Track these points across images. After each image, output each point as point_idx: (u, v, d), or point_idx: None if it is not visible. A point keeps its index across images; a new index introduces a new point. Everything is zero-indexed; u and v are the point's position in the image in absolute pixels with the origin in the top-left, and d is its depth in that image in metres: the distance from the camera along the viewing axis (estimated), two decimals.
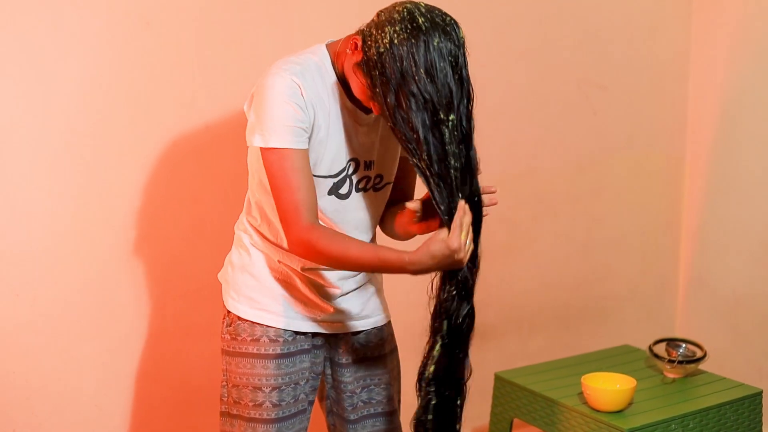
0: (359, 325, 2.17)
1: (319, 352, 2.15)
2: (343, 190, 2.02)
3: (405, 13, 1.80)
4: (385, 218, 2.15)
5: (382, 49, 1.78)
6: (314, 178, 1.95)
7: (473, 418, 3.09)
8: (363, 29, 1.87)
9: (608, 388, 2.53)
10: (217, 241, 2.66)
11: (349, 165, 2.01)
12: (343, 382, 2.18)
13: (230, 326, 2.10)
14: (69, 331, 2.51)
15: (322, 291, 2.08)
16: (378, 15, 1.85)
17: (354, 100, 1.97)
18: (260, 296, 2.08)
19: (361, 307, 2.16)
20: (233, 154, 2.56)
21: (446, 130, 1.78)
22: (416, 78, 1.76)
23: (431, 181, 1.81)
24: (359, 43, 1.85)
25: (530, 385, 2.72)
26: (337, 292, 2.09)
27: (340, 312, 2.11)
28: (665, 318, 3.70)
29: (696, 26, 3.52)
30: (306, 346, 2.11)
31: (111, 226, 2.52)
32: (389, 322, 2.26)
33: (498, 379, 2.81)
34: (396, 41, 1.77)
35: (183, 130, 2.57)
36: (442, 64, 1.77)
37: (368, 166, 2.04)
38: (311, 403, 2.15)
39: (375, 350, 2.20)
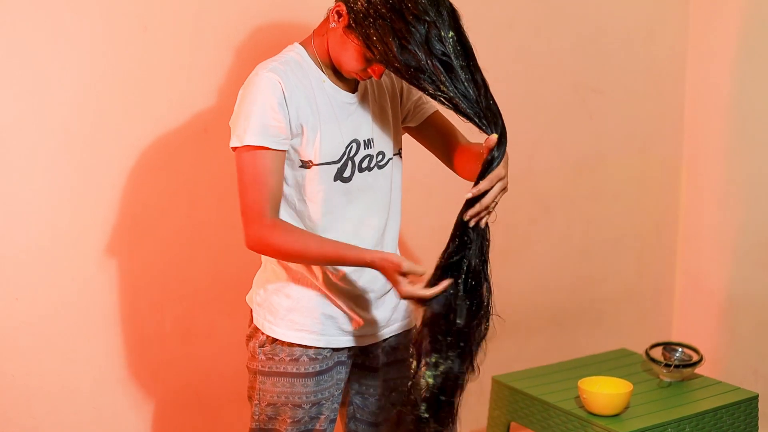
0: (389, 331, 2.19)
1: (349, 362, 2.17)
2: (347, 173, 2.03)
3: None
4: (455, 158, 2.16)
5: None
6: (319, 167, 1.99)
7: (470, 421, 3.11)
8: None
9: (605, 392, 2.54)
10: (215, 245, 2.68)
11: (350, 147, 2.03)
12: (372, 386, 2.21)
13: (264, 347, 2.09)
14: (67, 333, 2.51)
15: (358, 300, 2.10)
16: None
17: (342, 79, 2.02)
18: (298, 317, 2.08)
19: (391, 312, 2.18)
20: (231, 157, 2.56)
21: (450, 48, 1.82)
22: (412, 4, 1.81)
23: (459, 102, 1.84)
24: (343, 9, 1.89)
25: (527, 388, 2.72)
26: (371, 296, 2.11)
27: (372, 322, 2.13)
28: (661, 320, 3.71)
29: (692, 30, 3.54)
30: (342, 359, 2.14)
31: (109, 230, 2.52)
32: (416, 325, 2.26)
33: (495, 382, 2.82)
34: None
35: (181, 133, 2.58)
36: None
37: (368, 144, 2.07)
38: (337, 409, 2.17)
39: (404, 353, 2.20)
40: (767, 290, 3.34)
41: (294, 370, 2.07)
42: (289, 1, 2.66)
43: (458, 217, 1.92)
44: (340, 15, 1.91)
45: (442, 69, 1.82)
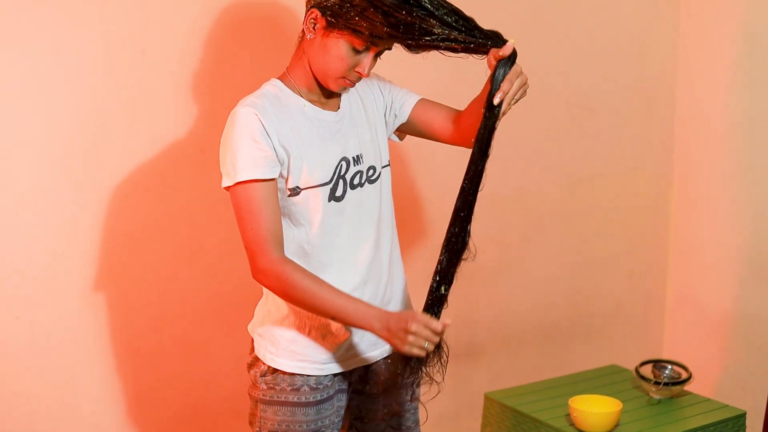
0: (389, 348, 2.19)
1: (350, 389, 2.20)
2: (339, 192, 2.05)
3: None
4: (455, 123, 2.18)
5: None
6: (310, 190, 2.00)
7: None
8: (309, 5, 1.95)
9: (595, 411, 2.59)
10: (213, 264, 2.71)
11: (340, 166, 2.05)
12: (372, 411, 2.24)
13: (266, 376, 2.11)
14: (67, 352, 2.54)
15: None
16: None
17: (324, 100, 2.05)
18: (300, 347, 2.09)
19: None
20: None
21: (427, 3, 1.86)
22: None
23: (457, 35, 1.88)
24: (316, 13, 1.93)
25: (519, 406, 2.76)
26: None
27: (373, 343, 2.16)
28: (652, 335, 3.75)
29: (682, 50, 3.57)
30: (343, 386, 2.17)
31: (108, 249, 2.55)
32: None
33: (487, 399, 2.86)
34: None
35: (179, 154, 2.61)
36: None
37: (357, 160, 2.09)
38: None
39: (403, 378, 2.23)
40: (757, 307, 3.38)
41: (295, 400, 2.09)
42: (287, 24, 2.69)
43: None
44: (315, 21, 1.94)
45: (427, 17, 1.86)
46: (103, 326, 2.59)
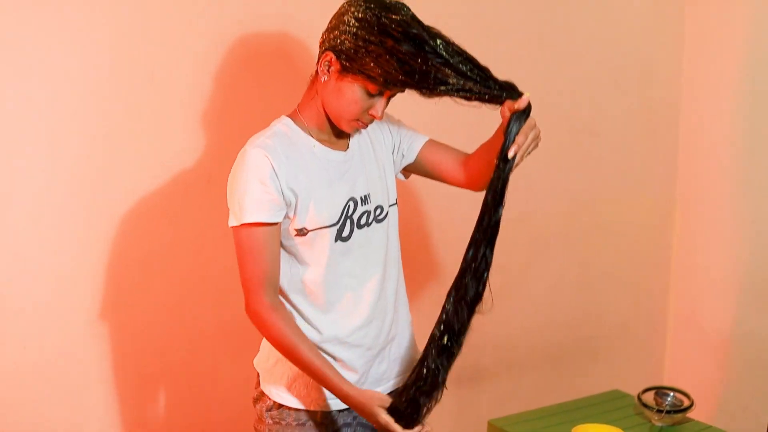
0: (391, 385, 2.22)
1: (355, 422, 2.20)
2: (346, 232, 2.06)
3: (345, 3, 1.93)
4: (464, 166, 2.20)
5: (354, 29, 1.88)
6: (317, 231, 2.02)
7: None
8: (324, 48, 1.95)
9: None
10: (219, 291, 2.72)
11: (348, 206, 2.06)
12: None
13: (272, 411, 2.14)
14: (74, 380, 2.56)
15: (360, 359, 2.13)
16: (328, 28, 1.96)
17: (334, 140, 2.06)
18: (305, 383, 2.11)
19: (389, 366, 2.21)
20: None
21: (442, 51, 1.86)
22: (395, 23, 1.86)
23: (472, 86, 1.88)
24: (331, 56, 1.93)
25: None
26: (372, 352, 2.15)
27: (374, 376, 2.17)
28: (655, 357, 3.76)
29: (686, 74, 3.59)
30: (348, 420, 2.18)
31: (115, 275, 2.57)
32: None
33: (491, 427, 2.87)
34: (360, 15, 1.88)
35: (186, 181, 2.63)
36: (405, 8, 1.90)
37: (365, 200, 2.10)
38: None
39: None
40: (758, 329, 3.39)
41: None
42: (296, 55, 2.70)
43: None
44: (329, 64, 1.94)
45: (444, 67, 1.86)
46: (110, 353, 2.60)
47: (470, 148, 2.21)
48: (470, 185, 2.19)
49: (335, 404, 2.13)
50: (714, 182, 3.53)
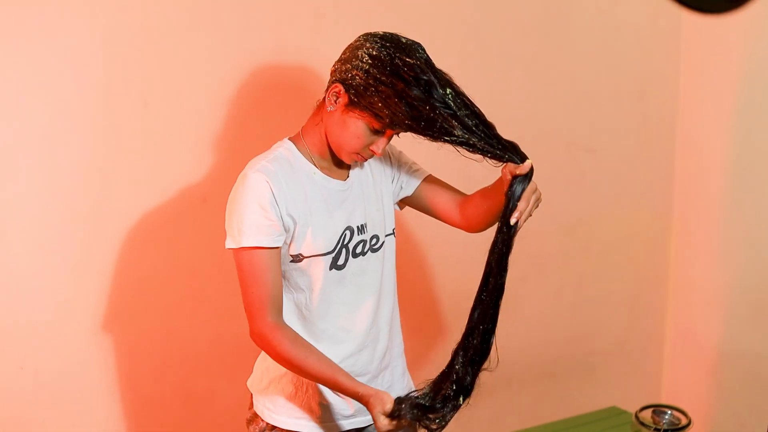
0: None
1: None
2: (341, 261, 2.06)
3: (365, 35, 1.92)
4: (460, 208, 2.19)
5: (366, 66, 1.88)
6: (312, 258, 2.01)
7: None
8: (334, 78, 1.95)
9: None
10: (215, 311, 2.73)
11: (344, 235, 2.06)
12: None
13: None
14: (71, 401, 2.56)
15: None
16: (340, 59, 1.95)
17: (334, 169, 2.06)
18: (298, 404, 2.12)
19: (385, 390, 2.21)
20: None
21: (451, 101, 1.86)
22: (408, 66, 1.86)
23: (476, 141, 1.88)
24: (340, 89, 1.92)
25: None
26: (367, 378, 2.15)
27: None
28: (651, 373, 3.76)
29: (683, 90, 3.58)
30: None
31: (111, 298, 2.58)
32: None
33: None
34: (374, 52, 1.88)
35: (181, 204, 2.63)
36: (420, 51, 1.90)
37: (361, 230, 2.09)
38: None
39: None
40: (755, 345, 3.38)
41: None
42: (291, 77, 2.71)
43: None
44: (338, 96, 1.94)
45: (449, 118, 1.86)
46: (106, 373, 2.61)
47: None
48: (464, 227, 2.20)
49: (328, 427, 2.14)
50: (711, 198, 3.52)
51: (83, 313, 2.55)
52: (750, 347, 3.40)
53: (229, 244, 1.98)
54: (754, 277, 3.39)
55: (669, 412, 2.91)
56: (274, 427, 2.13)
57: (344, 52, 1.95)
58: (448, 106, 1.86)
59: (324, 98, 2.00)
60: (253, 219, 1.94)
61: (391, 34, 1.92)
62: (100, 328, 2.58)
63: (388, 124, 1.91)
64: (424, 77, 1.85)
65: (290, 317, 2.08)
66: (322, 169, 2.05)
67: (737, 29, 3.35)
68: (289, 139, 2.08)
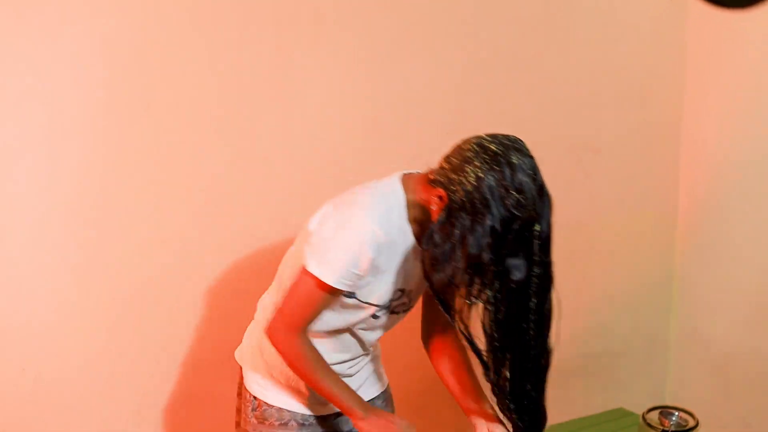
0: (366, 394, 2.26)
1: (334, 427, 2.24)
2: (380, 313, 2.09)
3: (476, 147, 1.85)
4: (432, 344, 2.23)
5: (469, 187, 1.82)
6: (364, 304, 2.03)
7: None
8: (439, 180, 1.89)
9: None
10: (216, 312, 2.71)
11: (396, 294, 2.07)
12: None
13: (256, 410, 2.17)
14: (74, 404, 2.55)
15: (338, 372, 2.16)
16: (447, 161, 1.89)
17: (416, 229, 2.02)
18: (287, 385, 2.15)
19: (366, 377, 2.28)
20: (231, 227, 2.61)
21: (513, 270, 1.85)
22: (503, 208, 1.81)
23: (504, 393, 1.97)
24: (444, 196, 1.87)
25: None
26: (349, 367, 2.19)
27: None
28: (657, 374, 3.74)
29: (688, 90, 3.57)
30: (327, 428, 2.21)
31: (112, 300, 2.56)
32: (388, 386, 2.39)
33: None
34: (481, 174, 1.81)
35: (182, 206, 2.62)
36: (526, 180, 1.83)
37: (408, 294, 2.11)
38: None
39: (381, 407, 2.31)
40: (761, 346, 3.37)
41: None
42: (293, 75, 2.69)
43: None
44: (441, 200, 1.89)
45: (497, 281, 1.86)
46: (108, 375, 2.59)
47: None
48: (430, 357, 2.25)
49: (315, 410, 2.18)
50: (716, 199, 3.51)
51: (85, 314, 2.53)
52: (756, 348, 3.39)
53: (312, 268, 1.94)
54: (759, 278, 3.37)
55: (676, 413, 2.88)
56: (267, 404, 2.16)
57: (456, 153, 1.89)
58: (507, 274, 1.86)
59: (432, 178, 1.94)
60: (346, 266, 1.91)
61: (501, 145, 1.85)
62: (102, 329, 2.56)
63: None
64: (508, 231, 1.82)
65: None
66: (412, 226, 2.00)
67: (743, 28, 3.34)
68: (402, 182, 2.00)
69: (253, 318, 2.26)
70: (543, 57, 3.24)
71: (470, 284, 1.86)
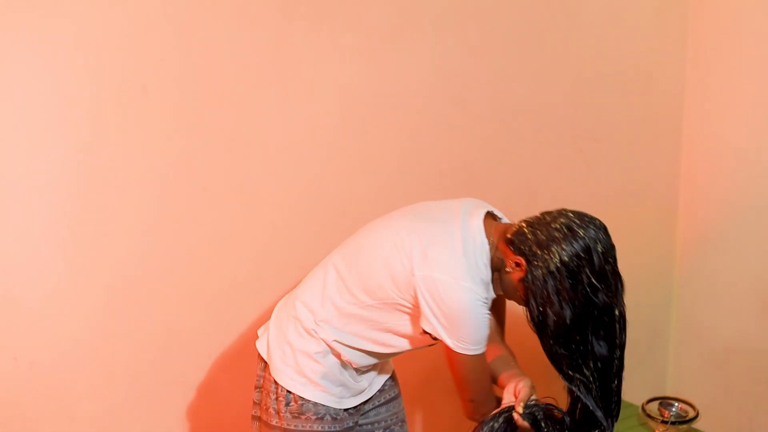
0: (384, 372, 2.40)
1: (357, 418, 2.31)
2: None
3: (564, 228, 1.92)
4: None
5: (553, 268, 1.90)
6: (432, 339, 2.09)
7: None
8: (521, 248, 1.95)
9: None
10: (214, 304, 2.69)
11: None
12: (367, 424, 2.36)
13: (290, 405, 2.17)
14: (67, 394, 2.52)
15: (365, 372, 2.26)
16: (533, 233, 1.95)
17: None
18: (324, 381, 2.17)
19: (382, 367, 2.37)
20: (228, 217, 2.59)
21: (594, 344, 1.98)
22: (589, 288, 1.90)
23: (592, 389, 2.04)
24: (523, 263, 1.94)
25: None
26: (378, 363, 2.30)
27: (374, 379, 2.34)
28: (657, 366, 3.73)
29: (689, 79, 3.56)
30: (357, 419, 2.28)
31: (108, 289, 2.54)
32: (393, 370, 2.47)
33: None
34: (566, 258, 1.89)
35: (179, 194, 2.59)
36: (607, 267, 1.92)
37: None
38: None
39: (389, 393, 2.41)
40: (762, 339, 3.36)
41: (319, 428, 2.18)
42: (291, 64, 2.67)
43: None
44: (519, 266, 1.97)
45: (585, 355, 1.99)
46: (104, 366, 2.57)
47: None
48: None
49: (349, 403, 2.23)
50: (718, 190, 3.49)
51: (79, 303, 2.51)
52: (756, 341, 3.38)
53: (458, 348, 2.03)
54: (760, 270, 3.36)
55: (676, 404, 2.88)
56: (303, 398, 2.16)
57: (534, 232, 1.95)
58: (591, 348, 1.97)
59: (511, 238, 2.00)
60: (483, 331, 2.02)
61: (585, 226, 1.93)
62: (97, 319, 2.53)
63: (530, 316, 2.01)
64: (591, 305, 1.91)
65: (348, 306, 2.14)
66: (492, 280, 2.08)
67: (745, 18, 3.33)
68: (487, 235, 2.06)
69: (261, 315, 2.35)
70: (544, 46, 3.21)
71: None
